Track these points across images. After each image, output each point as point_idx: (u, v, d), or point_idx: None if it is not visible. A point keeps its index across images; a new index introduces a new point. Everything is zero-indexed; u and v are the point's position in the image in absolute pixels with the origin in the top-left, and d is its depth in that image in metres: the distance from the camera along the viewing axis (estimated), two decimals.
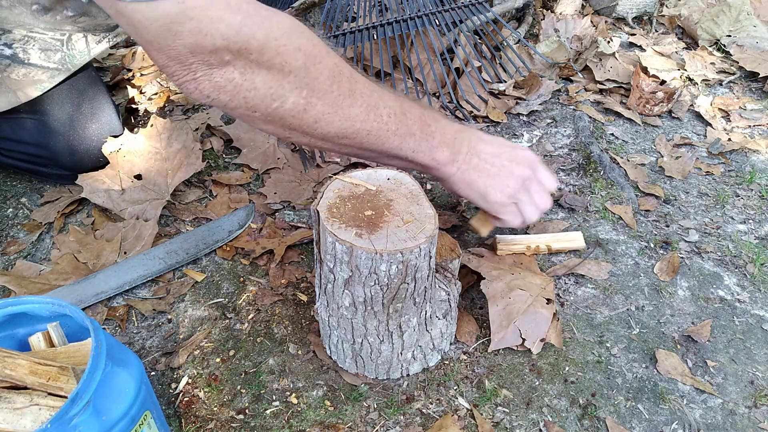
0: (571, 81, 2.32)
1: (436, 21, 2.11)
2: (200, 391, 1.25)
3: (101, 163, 1.64)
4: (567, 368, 1.30)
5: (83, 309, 1.40)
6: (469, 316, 1.40)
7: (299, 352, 1.33)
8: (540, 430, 1.19)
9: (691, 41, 2.61)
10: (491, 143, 1.27)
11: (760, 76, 2.31)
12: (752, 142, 2.01)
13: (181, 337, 1.36)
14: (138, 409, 0.90)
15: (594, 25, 2.54)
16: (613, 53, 2.35)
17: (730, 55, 2.43)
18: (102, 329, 0.91)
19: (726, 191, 1.81)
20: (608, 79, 2.29)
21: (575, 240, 1.55)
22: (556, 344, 1.33)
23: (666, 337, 1.38)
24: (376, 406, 1.23)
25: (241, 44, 0.92)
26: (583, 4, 2.71)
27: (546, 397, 1.25)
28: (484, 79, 2.23)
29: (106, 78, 2.16)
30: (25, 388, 0.88)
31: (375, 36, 2.03)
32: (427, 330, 1.23)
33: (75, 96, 1.56)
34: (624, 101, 2.22)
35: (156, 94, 2.11)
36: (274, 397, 1.24)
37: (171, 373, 1.29)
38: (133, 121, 1.99)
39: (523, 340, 1.32)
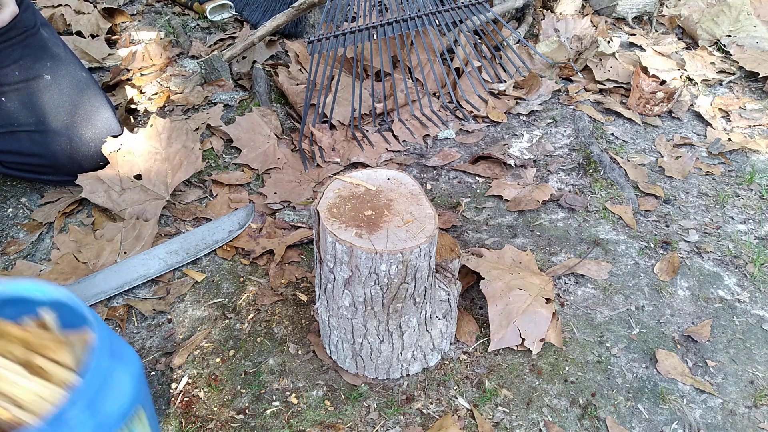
0: (571, 81, 2.32)
1: (436, 21, 2.11)
2: (200, 391, 1.25)
3: (101, 165, 1.64)
4: (567, 368, 1.30)
5: None
6: (469, 316, 1.40)
7: (299, 352, 1.33)
8: (540, 430, 1.19)
9: (691, 41, 2.61)
10: None
11: (760, 76, 2.31)
12: (752, 142, 2.01)
13: (181, 337, 1.36)
14: (132, 404, 0.87)
15: (594, 25, 2.54)
16: (613, 53, 2.35)
17: (730, 55, 2.43)
18: (105, 324, 0.89)
19: (726, 191, 1.81)
20: (608, 79, 2.29)
21: None
22: (556, 344, 1.33)
23: (666, 337, 1.38)
24: (376, 406, 1.23)
25: None
26: (583, 4, 2.71)
27: (546, 397, 1.25)
28: (484, 79, 2.23)
29: (105, 78, 2.16)
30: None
31: (375, 36, 2.03)
32: (427, 330, 1.23)
33: (68, 104, 1.56)
34: (624, 101, 2.22)
35: (156, 94, 2.11)
36: (274, 397, 1.24)
37: (171, 373, 1.29)
38: (132, 121, 1.99)
39: (523, 340, 1.32)
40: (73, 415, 0.77)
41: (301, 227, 1.64)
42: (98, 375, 0.80)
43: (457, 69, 2.25)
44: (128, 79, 2.17)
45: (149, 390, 1.05)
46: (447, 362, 1.31)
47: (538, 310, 1.34)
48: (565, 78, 2.34)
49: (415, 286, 1.10)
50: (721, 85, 2.33)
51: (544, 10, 2.62)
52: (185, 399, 1.23)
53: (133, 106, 2.05)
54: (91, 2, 2.52)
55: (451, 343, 1.35)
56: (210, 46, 2.41)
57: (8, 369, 0.82)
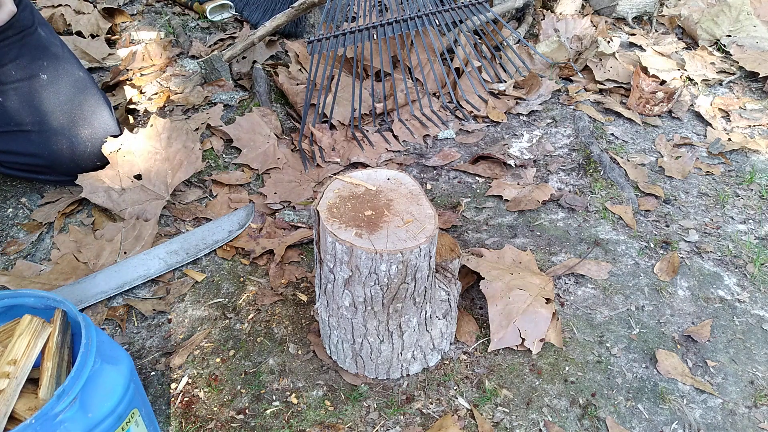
0: (571, 81, 2.32)
1: (436, 21, 2.11)
2: (200, 391, 1.25)
3: (100, 166, 1.64)
4: (567, 368, 1.30)
5: (83, 309, 1.40)
6: (469, 316, 1.40)
7: (299, 352, 1.33)
8: (540, 430, 1.19)
9: (691, 41, 2.61)
10: None
11: (760, 76, 2.31)
12: (752, 142, 2.01)
13: (181, 337, 1.36)
14: (126, 406, 0.90)
15: (594, 25, 2.54)
16: (613, 53, 2.35)
17: (730, 55, 2.43)
18: (93, 326, 0.91)
19: (726, 191, 1.81)
20: (608, 79, 2.29)
21: None
22: (556, 344, 1.33)
23: (666, 337, 1.38)
24: (376, 406, 1.23)
25: None
26: (583, 4, 2.71)
27: (546, 397, 1.25)
28: (484, 79, 2.23)
29: (105, 78, 2.16)
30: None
31: (375, 36, 2.03)
32: (427, 330, 1.23)
33: (66, 104, 1.55)
34: (624, 101, 2.22)
35: (156, 94, 2.11)
36: (274, 397, 1.24)
37: (171, 373, 1.29)
38: (132, 121, 1.99)
39: (523, 340, 1.32)
40: (62, 412, 0.79)
41: (301, 227, 1.64)
42: (83, 372, 0.83)
43: (457, 69, 2.25)
44: (128, 79, 2.17)
45: (146, 395, 1.05)
46: (447, 362, 1.31)
47: (538, 310, 1.34)
48: (565, 78, 2.34)
49: (415, 286, 1.10)
50: (721, 85, 2.33)
51: (544, 10, 2.62)
52: (185, 399, 1.23)
53: (133, 106, 2.05)
54: (91, 2, 2.52)
55: (451, 343, 1.35)
56: (210, 46, 2.41)
57: None
